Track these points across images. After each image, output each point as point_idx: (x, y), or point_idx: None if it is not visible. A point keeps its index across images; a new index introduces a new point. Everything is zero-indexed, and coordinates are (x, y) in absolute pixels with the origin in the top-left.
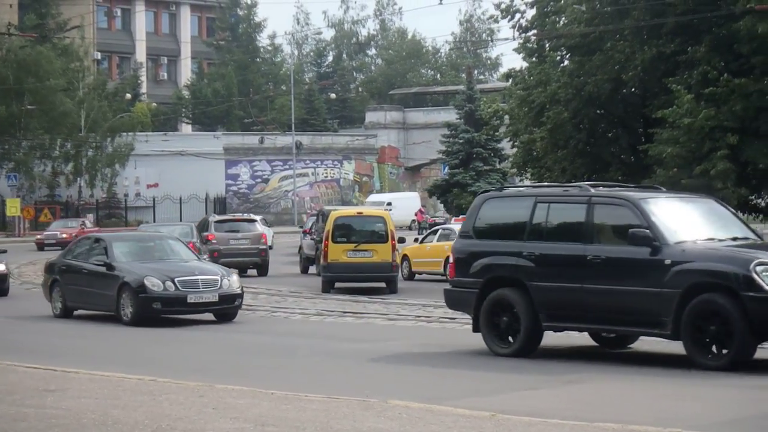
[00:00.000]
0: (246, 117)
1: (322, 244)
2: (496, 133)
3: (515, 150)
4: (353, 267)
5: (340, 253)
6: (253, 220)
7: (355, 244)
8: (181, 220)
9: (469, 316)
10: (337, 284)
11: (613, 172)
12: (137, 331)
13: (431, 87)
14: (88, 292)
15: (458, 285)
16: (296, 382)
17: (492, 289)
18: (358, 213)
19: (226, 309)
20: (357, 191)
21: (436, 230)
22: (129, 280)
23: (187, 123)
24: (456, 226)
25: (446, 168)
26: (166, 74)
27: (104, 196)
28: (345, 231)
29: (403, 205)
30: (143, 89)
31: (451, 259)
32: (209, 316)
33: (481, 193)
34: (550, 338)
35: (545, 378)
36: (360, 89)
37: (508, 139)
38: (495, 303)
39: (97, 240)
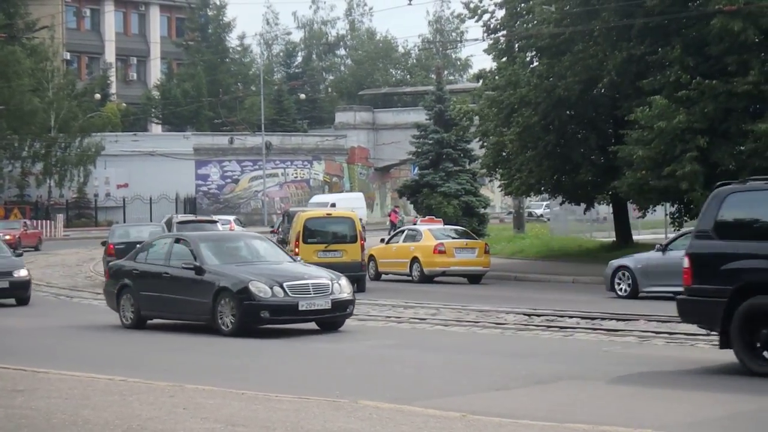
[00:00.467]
0: (216, 117)
1: (292, 245)
2: (466, 134)
3: (485, 151)
4: (324, 267)
5: (310, 253)
6: (214, 221)
7: (326, 245)
8: (151, 221)
9: (456, 321)
10: None
11: (583, 173)
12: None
13: (401, 87)
14: (171, 300)
15: (698, 294)
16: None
17: (744, 298)
18: (327, 214)
19: (337, 317)
20: (327, 191)
21: (403, 230)
22: (228, 285)
23: (157, 123)
24: (423, 227)
25: (416, 168)
26: (135, 74)
27: (74, 196)
28: (315, 232)
29: (346, 206)
30: (113, 89)
31: (685, 264)
32: (302, 325)
33: (719, 186)
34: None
35: (514, 378)
36: (329, 90)
37: (477, 139)
38: (751, 314)
39: (178, 240)
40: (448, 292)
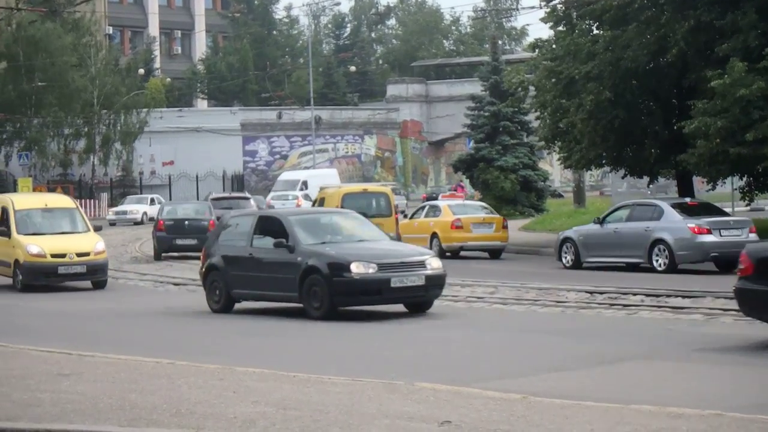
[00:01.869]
0: (263, 91)
1: None
2: (522, 106)
3: (541, 123)
4: None
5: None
6: (247, 198)
7: None
8: (197, 199)
9: (515, 299)
10: None
11: (648, 148)
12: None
13: (454, 58)
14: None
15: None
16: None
17: None
18: (363, 189)
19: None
20: (379, 167)
21: (425, 206)
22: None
23: (203, 98)
24: (443, 203)
25: (471, 142)
26: (180, 48)
27: (119, 175)
28: (352, 206)
29: (319, 183)
30: (157, 64)
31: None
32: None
33: None
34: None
35: (576, 358)
36: (380, 61)
37: (534, 110)
38: None
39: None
40: (482, 268)
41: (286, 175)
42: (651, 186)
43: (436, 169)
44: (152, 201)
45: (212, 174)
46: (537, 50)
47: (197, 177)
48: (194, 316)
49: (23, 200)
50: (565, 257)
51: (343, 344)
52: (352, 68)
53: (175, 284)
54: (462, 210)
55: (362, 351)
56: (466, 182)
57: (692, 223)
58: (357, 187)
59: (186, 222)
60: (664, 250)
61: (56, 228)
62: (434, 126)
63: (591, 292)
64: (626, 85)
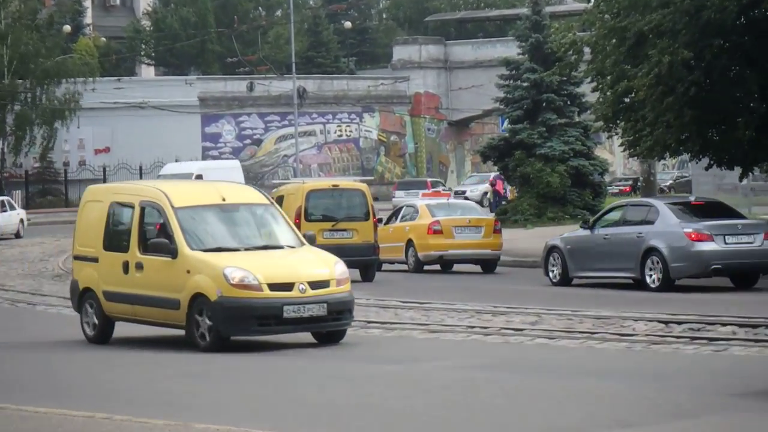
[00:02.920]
0: (228, 55)
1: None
2: (574, 73)
3: (599, 96)
4: (331, 250)
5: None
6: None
7: (333, 223)
8: None
9: (566, 330)
10: None
11: (740, 128)
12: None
13: (482, 11)
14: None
15: None
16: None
17: None
18: (333, 186)
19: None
20: (382, 155)
21: (401, 207)
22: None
23: (149, 64)
24: (421, 202)
25: (505, 122)
26: None
27: (36, 166)
28: (319, 207)
29: (216, 178)
30: (88, 19)
31: None
32: None
33: None
34: None
35: (652, 410)
36: (384, 15)
37: (589, 80)
38: None
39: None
40: (451, 286)
41: (170, 169)
42: (744, 181)
43: (459, 157)
44: (2, 205)
45: (161, 164)
46: (592, 1)
47: (141, 169)
48: (139, 351)
49: (182, 192)
50: (552, 271)
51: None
52: (348, 24)
53: None
54: (443, 211)
55: (337, 398)
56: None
57: (690, 228)
58: (325, 182)
59: None
60: (658, 262)
61: (251, 239)
62: (456, 100)
63: (666, 322)
64: (707, 42)
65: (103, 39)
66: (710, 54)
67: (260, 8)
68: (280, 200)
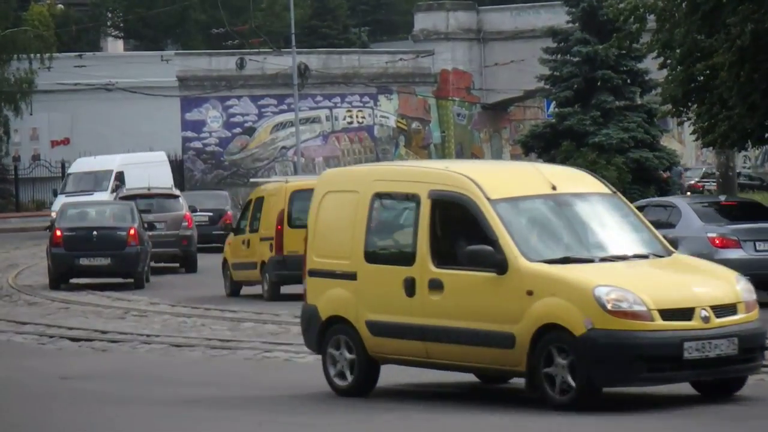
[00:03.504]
0: (213, 25)
1: (268, 230)
2: (635, 46)
3: (667, 74)
4: None
5: (300, 241)
6: (175, 196)
7: None
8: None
9: None
10: (286, 288)
11: None
12: None
13: None
14: None
15: None
16: None
17: None
18: None
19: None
20: (403, 146)
21: None
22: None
23: (116, 37)
24: None
25: (551, 105)
26: None
27: None
28: (306, 210)
29: (141, 174)
30: None
31: None
32: None
33: None
34: None
35: None
36: None
37: (655, 55)
38: None
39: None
40: None
41: (82, 165)
42: None
43: (495, 148)
44: None
45: None
46: None
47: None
48: (108, 391)
49: (496, 178)
50: None
51: None
52: None
53: (74, 339)
54: None
55: None
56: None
57: (714, 232)
58: (312, 181)
59: (94, 232)
60: None
61: (601, 244)
62: (491, 79)
63: None
64: None
65: (61, 6)
66: None
67: None
68: (259, 202)
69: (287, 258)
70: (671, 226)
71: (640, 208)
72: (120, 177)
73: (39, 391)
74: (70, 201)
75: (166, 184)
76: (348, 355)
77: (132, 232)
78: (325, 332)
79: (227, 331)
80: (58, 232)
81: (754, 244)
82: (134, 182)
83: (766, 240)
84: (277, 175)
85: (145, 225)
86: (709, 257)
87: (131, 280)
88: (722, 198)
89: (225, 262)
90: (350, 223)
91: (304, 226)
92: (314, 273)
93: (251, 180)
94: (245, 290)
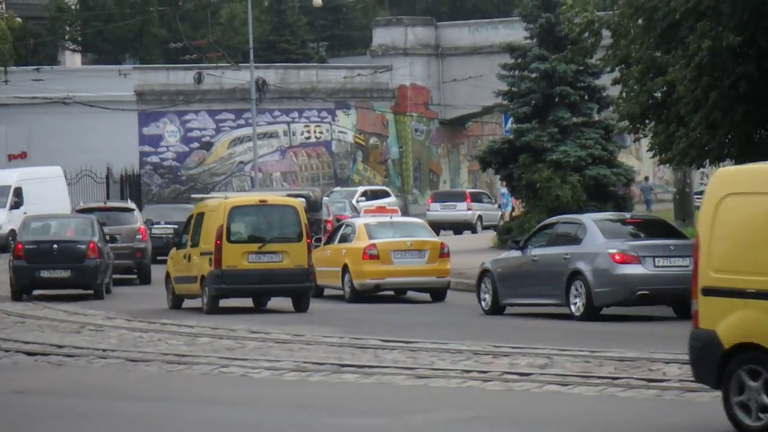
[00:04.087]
0: (171, 39)
1: (209, 245)
2: (591, 61)
3: (623, 90)
4: (257, 275)
5: (238, 256)
6: (129, 209)
7: (260, 245)
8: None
9: (582, 375)
10: (224, 302)
11: None
12: None
13: None
14: None
15: None
16: None
17: None
18: (261, 201)
19: None
20: (360, 161)
21: (341, 225)
22: None
23: (74, 51)
24: (359, 221)
25: (509, 121)
26: None
27: None
28: (244, 226)
29: (39, 191)
30: None
31: None
32: None
33: None
34: None
35: None
36: None
37: (610, 69)
38: None
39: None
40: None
41: None
42: None
43: (453, 164)
44: None
45: (89, 173)
46: None
47: (66, 178)
48: (64, 406)
49: None
50: (484, 298)
51: None
52: (318, 2)
53: (29, 353)
54: (383, 231)
55: None
56: (499, 185)
57: (614, 248)
58: (250, 198)
59: (54, 245)
60: (581, 287)
61: None
62: (449, 95)
63: None
64: (759, 25)
65: (18, 19)
66: (764, 39)
67: None
68: (200, 218)
69: (225, 272)
70: (578, 242)
71: (551, 225)
72: (18, 193)
73: None
74: (32, 215)
75: (62, 200)
76: (764, 394)
77: (92, 245)
78: (727, 363)
79: (183, 345)
80: (20, 246)
81: (654, 260)
82: (32, 198)
83: (665, 256)
84: (235, 190)
85: (107, 238)
86: (610, 272)
87: (91, 292)
88: (628, 215)
89: (168, 275)
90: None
91: (242, 241)
92: (712, 291)
93: (192, 195)
94: (187, 303)
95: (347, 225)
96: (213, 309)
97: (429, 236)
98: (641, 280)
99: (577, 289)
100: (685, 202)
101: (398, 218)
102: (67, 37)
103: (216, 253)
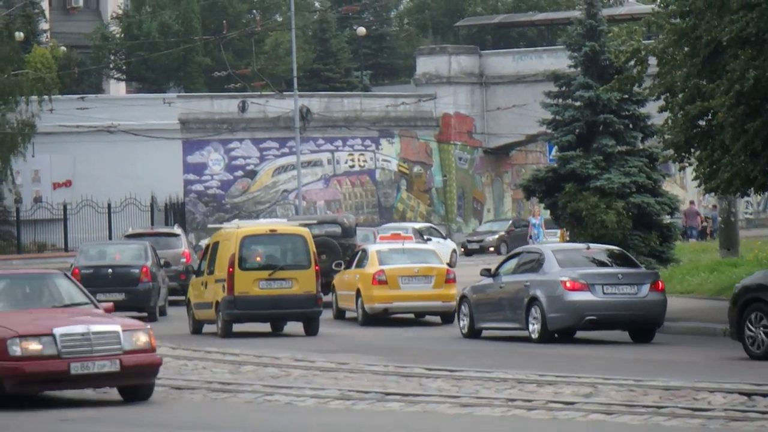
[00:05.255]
0: (216, 68)
1: (222, 272)
2: (636, 89)
3: (668, 118)
4: (268, 301)
5: (249, 282)
6: (175, 234)
7: (270, 272)
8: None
9: (627, 404)
10: (237, 327)
11: None
12: None
13: (525, 14)
14: None
15: None
16: None
17: None
18: (271, 230)
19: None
20: (404, 189)
21: (357, 252)
22: None
23: (119, 79)
24: (373, 247)
25: (554, 149)
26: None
27: None
28: (255, 254)
29: None
30: (45, 24)
31: None
32: None
33: None
34: None
35: None
36: (405, 20)
37: (655, 98)
38: None
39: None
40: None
41: None
42: None
43: (497, 192)
44: None
45: (134, 201)
46: (659, 0)
47: (110, 207)
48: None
49: None
50: (462, 322)
51: None
52: (361, 31)
53: None
54: (393, 257)
55: None
56: (544, 213)
57: (565, 276)
58: (261, 227)
59: (109, 270)
60: (538, 312)
61: None
62: (494, 123)
63: (749, 394)
64: None
65: (63, 48)
66: None
67: (255, 11)
68: (216, 247)
69: (237, 298)
70: (537, 270)
71: (518, 254)
72: None
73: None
74: (88, 242)
75: None
76: None
77: (144, 269)
78: None
79: (228, 374)
80: (77, 270)
81: (603, 288)
82: None
83: (614, 284)
84: (271, 217)
85: (162, 262)
86: (562, 298)
87: (145, 314)
88: (587, 246)
89: (188, 302)
90: None
91: (254, 269)
92: None
93: (208, 225)
94: (206, 328)
95: (363, 251)
96: (227, 333)
97: (437, 263)
98: (589, 306)
99: (534, 315)
100: (730, 231)
101: (410, 245)
102: (111, 65)
103: (229, 280)
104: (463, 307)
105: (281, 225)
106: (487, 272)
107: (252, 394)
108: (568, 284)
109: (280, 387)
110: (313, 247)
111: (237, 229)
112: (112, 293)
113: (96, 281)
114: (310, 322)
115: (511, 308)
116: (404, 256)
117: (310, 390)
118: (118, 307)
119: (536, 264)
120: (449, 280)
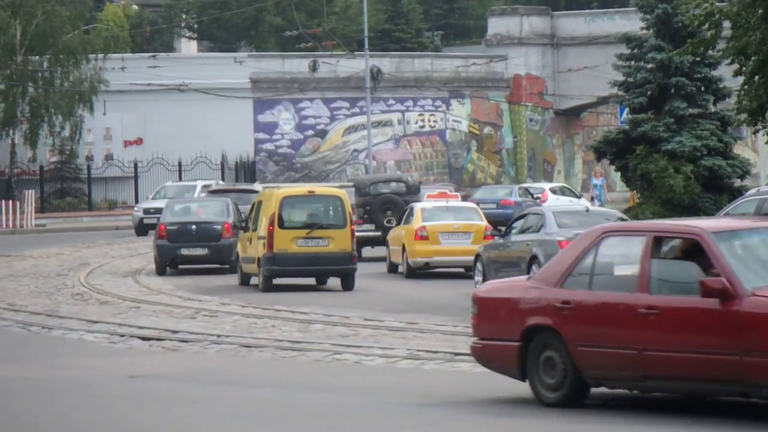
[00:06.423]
0: (287, 28)
1: (263, 230)
2: (710, 53)
3: (742, 82)
4: (305, 258)
5: (288, 241)
6: (256, 191)
7: (308, 230)
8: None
9: None
10: (277, 281)
11: None
12: None
13: None
14: None
15: None
16: None
17: None
18: (309, 192)
19: None
20: (474, 150)
21: (407, 209)
22: None
23: (190, 38)
24: (419, 205)
25: (625, 112)
26: None
27: (53, 161)
28: (294, 214)
29: None
30: None
31: None
32: None
33: None
34: None
35: None
36: None
37: (729, 61)
38: None
39: None
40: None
41: None
42: None
43: (567, 154)
44: None
45: (204, 159)
46: None
47: (180, 165)
48: (176, 391)
49: None
50: (476, 278)
51: None
52: None
53: (144, 338)
54: (437, 214)
55: None
56: (615, 176)
57: (561, 237)
58: (299, 188)
59: (193, 226)
60: (538, 269)
61: None
62: (565, 85)
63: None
64: None
65: (135, 7)
66: None
67: None
68: (259, 206)
69: (276, 255)
70: (538, 230)
71: (524, 216)
72: None
73: (107, 390)
74: (174, 199)
75: None
76: None
77: (226, 225)
78: None
79: (297, 332)
80: (162, 226)
81: None
82: None
83: None
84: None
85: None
86: None
87: (227, 266)
88: (588, 206)
89: (237, 255)
90: None
91: (293, 227)
92: None
93: (259, 184)
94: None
95: (410, 208)
96: (267, 287)
97: (477, 220)
98: None
99: (534, 272)
100: None
101: (454, 203)
102: (183, 24)
103: (269, 238)
104: (477, 264)
105: (319, 187)
106: (498, 232)
107: (321, 353)
108: (564, 244)
109: (349, 346)
110: (348, 208)
111: (277, 190)
112: (195, 248)
113: (180, 237)
114: (346, 278)
115: (516, 266)
116: (448, 214)
117: (379, 349)
118: (201, 261)
119: (539, 224)
120: (487, 237)
